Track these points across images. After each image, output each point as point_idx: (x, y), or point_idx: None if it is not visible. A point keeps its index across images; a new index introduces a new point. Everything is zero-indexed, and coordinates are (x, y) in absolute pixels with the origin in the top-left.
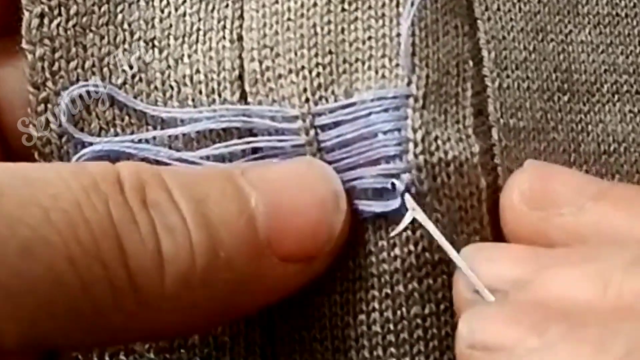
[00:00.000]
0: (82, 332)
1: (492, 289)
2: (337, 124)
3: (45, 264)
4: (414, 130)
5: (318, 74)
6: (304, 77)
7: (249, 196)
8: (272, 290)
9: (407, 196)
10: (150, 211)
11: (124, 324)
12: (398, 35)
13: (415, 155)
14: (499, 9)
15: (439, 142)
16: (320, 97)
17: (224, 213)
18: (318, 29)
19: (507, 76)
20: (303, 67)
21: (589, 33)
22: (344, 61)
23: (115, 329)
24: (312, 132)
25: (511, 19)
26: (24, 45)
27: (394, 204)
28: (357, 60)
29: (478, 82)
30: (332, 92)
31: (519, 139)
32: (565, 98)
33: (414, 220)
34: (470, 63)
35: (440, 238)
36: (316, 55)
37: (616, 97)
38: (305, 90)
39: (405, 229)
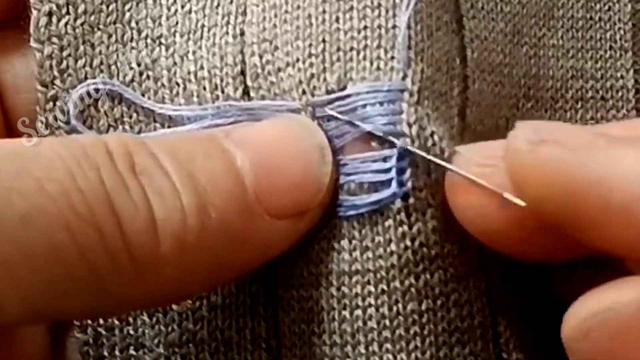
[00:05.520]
0: (82, 301)
1: None
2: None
3: (43, 233)
4: (409, 125)
5: (311, 64)
6: (299, 69)
7: (234, 155)
8: (265, 248)
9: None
10: (140, 177)
11: (123, 290)
12: (394, 27)
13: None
14: (482, 8)
15: (435, 138)
16: (314, 87)
17: (211, 174)
18: (313, 20)
19: (484, 79)
20: (298, 59)
21: (561, 37)
22: (338, 49)
23: (114, 296)
24: (315, 123)
25: (493, 19)
26: (32, 43)
27: (390, 191)
28: (351, 49)
29: (461, 81)
30: (324, 80)
31: None
32: (529, 105)
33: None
34: (457, 61)
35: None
36: (310, 45)
37: (580, 103)
38: (300, 81)
39: (401, 225)
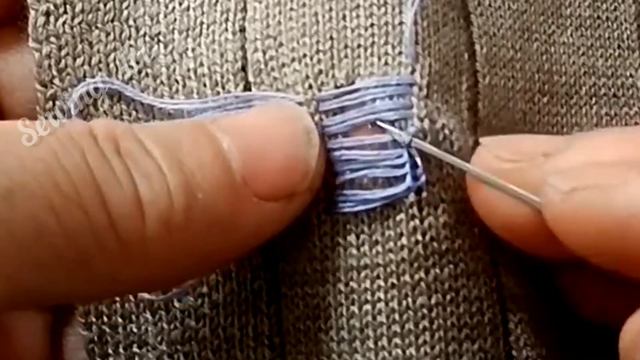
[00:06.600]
0: (69, 283)
1: None
2: (342, 110)
3: (27, 212)
4: (420, 120)
5: (319, 60)
6: (306, 65)
7: (221, 140)
8: (254, 231)
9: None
10: (125, 159)
11: (109, 272)
12: (401, 23)
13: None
14: (490, 5)
15: (446, 131)
16: (322, 83)
17: (197, 158)
18: (320, 17)
19: (496, 74)
20: (305, 55)
21: (571, 35)
22: (345, 46)
23: (101, 278)
24: (316, 117)
25: (501, 16)
26: (30, 43)
27: (404, 185)
28: (359, 45)
29: (470, 76)
30: (333, 76)
31: None
32: (545, 100)
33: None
34: (466, 56)
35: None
36: (317, 42)
37: (593, 99)
38: (307, 77)
39: (413, 219)
